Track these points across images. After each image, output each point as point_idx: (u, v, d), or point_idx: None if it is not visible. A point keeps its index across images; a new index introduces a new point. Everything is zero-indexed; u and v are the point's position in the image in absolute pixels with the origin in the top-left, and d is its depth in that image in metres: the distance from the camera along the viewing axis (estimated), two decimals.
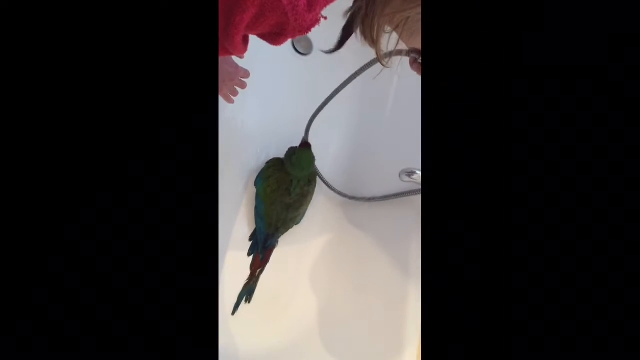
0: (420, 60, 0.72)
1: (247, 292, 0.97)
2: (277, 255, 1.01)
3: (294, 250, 1.04)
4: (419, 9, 0.48)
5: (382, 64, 0.60)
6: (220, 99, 0.87)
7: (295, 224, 1.04)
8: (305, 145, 0.99)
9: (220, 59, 0.70)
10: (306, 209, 1.05)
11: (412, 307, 0.83)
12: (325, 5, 0.51)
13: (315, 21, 0.51)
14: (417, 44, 0.54)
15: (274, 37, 0.55)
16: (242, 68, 0.86)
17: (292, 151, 1.01)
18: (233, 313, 0.94)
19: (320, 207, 1.07)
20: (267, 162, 1.04)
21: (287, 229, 1.03)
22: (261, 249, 1.00)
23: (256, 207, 1.03)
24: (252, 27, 0.51)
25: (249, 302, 0.97)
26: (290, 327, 0.95)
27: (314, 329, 0.95)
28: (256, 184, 1.03)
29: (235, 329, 0.92)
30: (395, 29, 0.54)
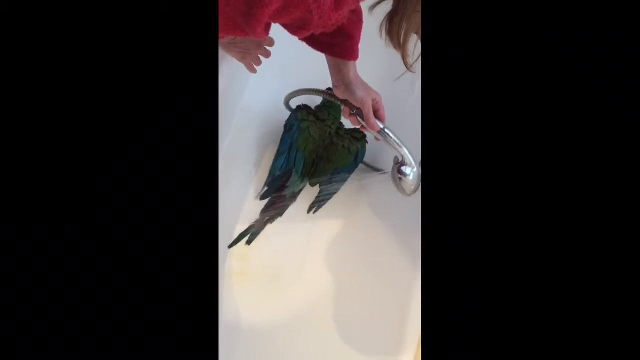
0: (354, 112, 0.75)
1: (250, 234, 0.96)
2: (287, 229, 1.00)
3: (305, 227, 1.03)
4: None
5: (407, 69, 0.57)
6: (243, 68, 0.83)
7: (340, 184, 1.00)
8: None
9: None
10: (333, 168, 0.99)
11: (418, 296, 0.83)
12: (353, 4, 0.48)
13: (341, 19, 0.49)
14: None
15: (295, 29, 0.53)
16: (268, 37, 0.78)
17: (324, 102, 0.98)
18: (230, 247, 0.95)
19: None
20: (298, 111, 0.99)
21: (329, 190, 0.99)
22: (275, 189, 0.98)
23: (292, 155, 0.98)
24: (275, 18, 0.49)
25: (249, 245, 0.96)
26: (293, 303, 0.96)
27: (317, 308, 0.96)
28: (290, 130, 0.99)
29: (240, 300, 0.94)
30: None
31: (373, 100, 0.73)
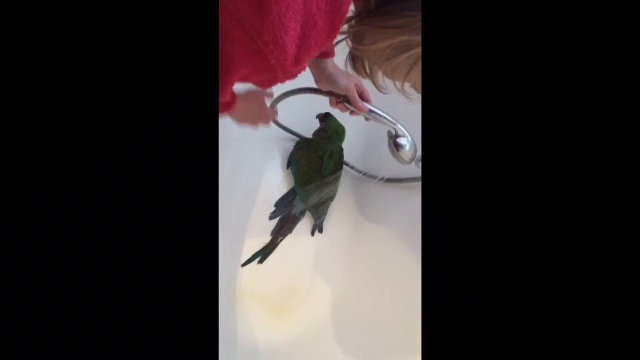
0: (340, 100, 0.77)
1: (263, 254, 0.99)
2: (292, 245, 1.01)
3: (309, 240, 1.04)
4: (405, 55, 0.50)
5: (380, 92, 0.60)
6: None
7: (331, 200, 1.04)
8: (327, 115, 0.98)
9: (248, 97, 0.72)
10: (338, 184, 1.04)
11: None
12: (310, 57, 0.51)
13: (302, 70, 0.52)
14: (400, 77, 0.54)
15: (265, 84, 0.58)
16: (266, 112, 0.81)
17: (320, 127, 1.00)
18: (243, 265, 0.97)
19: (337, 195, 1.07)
20: (296, 144, 1.04)
21: (326, 207, 1.03)
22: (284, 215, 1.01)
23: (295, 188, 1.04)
24: (243, 80, 0.54)
25: (261, 263, 0.99)
26: (304, 320, 0.96)
27: (328, 322, 0.96)
28: (289, 167, 1.04)
29: (253, 321, 0.95)
30: (381, 68, 0.56)
31: (355, 85, 0.75)
